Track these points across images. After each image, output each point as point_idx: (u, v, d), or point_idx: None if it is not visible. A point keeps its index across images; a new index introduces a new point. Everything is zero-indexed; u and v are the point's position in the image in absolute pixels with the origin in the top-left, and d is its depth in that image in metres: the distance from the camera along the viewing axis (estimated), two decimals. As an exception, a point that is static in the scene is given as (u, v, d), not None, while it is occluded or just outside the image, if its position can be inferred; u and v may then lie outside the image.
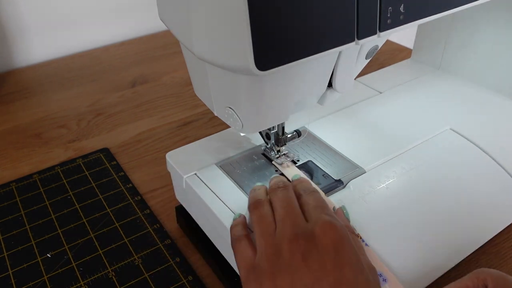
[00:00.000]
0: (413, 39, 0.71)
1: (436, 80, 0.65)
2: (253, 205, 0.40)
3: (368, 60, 0.43)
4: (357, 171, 0.48)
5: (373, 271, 0.36)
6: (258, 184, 0.44)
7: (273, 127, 0.47)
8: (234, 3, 0.29)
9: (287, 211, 0.38)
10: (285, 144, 0.48)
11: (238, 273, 0.38)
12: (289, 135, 0.49)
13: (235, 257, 0.39)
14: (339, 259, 0.34)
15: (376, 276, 0.36)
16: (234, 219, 0.42)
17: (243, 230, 0.40)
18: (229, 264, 0.46)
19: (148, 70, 0.91)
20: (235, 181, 0.47)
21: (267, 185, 0.43)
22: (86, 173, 0.64)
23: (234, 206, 0.44)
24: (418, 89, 0.63)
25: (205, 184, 0.46)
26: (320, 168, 0.48)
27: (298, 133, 0.50)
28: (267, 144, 0.49)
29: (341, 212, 0.42)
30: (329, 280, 0.33)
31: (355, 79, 0.48)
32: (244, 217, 0.42)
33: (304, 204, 0.39)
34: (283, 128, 0.47)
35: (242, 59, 0.30)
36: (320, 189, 0.44)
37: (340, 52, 0.39)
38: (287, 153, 0.49)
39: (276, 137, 0.48)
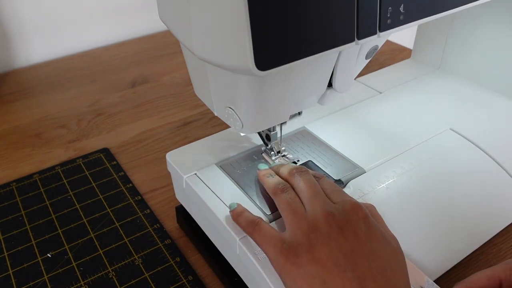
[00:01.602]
0: (413, 39, 0.71)
1: (436, 80, 0.65)
2: (279, 190, 0.41)
3: (368, 60, 0.43)
4: (357, 171, 0.48)
5: (394, 239, 0.38)
6: (263, 166, 0.45)
7: (273, 128, 0.47)
8: (234, 3, 0.29)
9: (314, 191, 0.39)
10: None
11: (264, 252, 0.38)
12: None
13: (256, 239, 0.39)
14: (369, 232, 0.36)
15: (398, 243, 0.38)
16: (231, 209, 0.42)
17: (253, 216, 0.41)
18: (229, 264, 0.46)
19: (148, 70, 0.91)
20: (235, 181, 0.47)
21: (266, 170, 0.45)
22: (86, 173, 0.64)
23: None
24: (418, 89, 0.63)
25: (205, 184, 0.46)
26: (320, 168, 0.48)
27: (298, 112, 0.49)
28: (267, 145, 0.49)
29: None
30: (364, 250, 0.35)
31: (355, 79, 0.48)
32: (242, 206, 0.42)
33: (323, 187, 0.41)
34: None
35: (242, 59, 0.30)
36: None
37: (340, 52, 0.39)
38: (286, 154, 0.49)
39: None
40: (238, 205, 0.43)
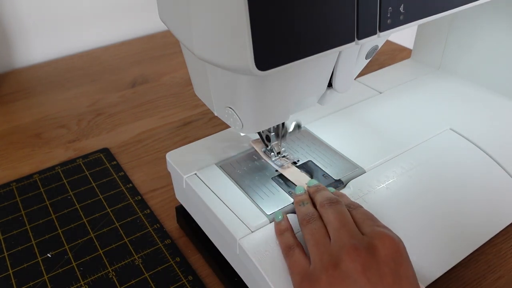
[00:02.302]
0: (413, 39, 0.71)
1: (436, 80, 0.65)
2: (305, 221, 0.39)
3: (368, 60, 0.43)
4: (357, 171, 0.48)
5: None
6: (299, 190, 0.44)
7: (273, 128, 0.47)
8: (234, 3, 0.29)
9: (342, 222, 0.37)
10: (284, 137, 0.48)
11: (291, 277, 0.38)
12: (290, 129, 0.49)
13: (287, 263, 0.38)
14: (397, 272, 0.33)
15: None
16: (277, 220, 0.41)
17: (293, 238, 0.39)
18: (229, 264, 0.46)
19: (148, 70, 0.91)
20: (235, 181, 0.47)
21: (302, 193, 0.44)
22: (86, 173, 0.64)
23: (234, 206, 0.44)
24: (418, 89, 0.63)
25: (205, 184, 0.46)
26: (320, 168, 0.48)
27: (298, 126, 0.50)
28: (267, 146, 0.49)
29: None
30: None
31: (355, 79, 0.48)
32: (288, 221, 0.41)
33: (354, 218, 0.39)
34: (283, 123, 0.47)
35: (242, 59, 0.30)
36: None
37: (340, 52, 0.39)
38: (287, 155, 0.49)
39: (276, 131, 0.48)
40: (284, 218, 0.41)
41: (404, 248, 0.35)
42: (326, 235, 0.37)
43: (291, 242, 0.39)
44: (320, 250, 0.36)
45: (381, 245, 0.34)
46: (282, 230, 0.41)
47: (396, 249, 0.34)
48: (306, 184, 0.45)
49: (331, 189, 0.44)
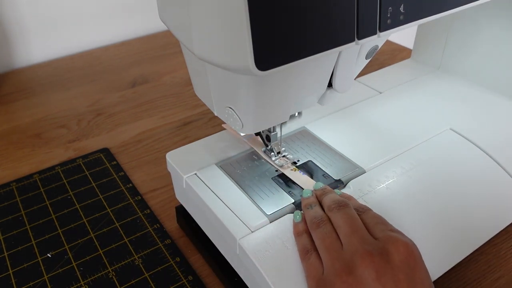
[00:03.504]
0: (413, 39, 0.71)
1: (436, 80, 0.65)
2: (314, 224, 0.39)
3: (368, 60, 0.43)
4: (357, 171, 0.48)
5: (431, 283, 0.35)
6: (307, 193, 0.43)
7: (273, 128, 0.47)
8: (234, 3, 0.29)
9: (353, 227, 0.37)
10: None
11: (306, 281, 0.37)
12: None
13: (303, 266, 0.38)
14: (413, 278, 0.33)
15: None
16: (296, 220, 0.41)
17: (310, 241, 0.39)
18: (229, 264, 0.46)
19: (148, 70, 0.91)
20: (235, 181, 0.47)
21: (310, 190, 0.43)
22: (86, 173, 0.64)
23: (234, 206, 0.44)
24: (418, 89, 0.63)
25: (205, 184, 0.46)
26: (320, 168, 0.48)
27: (299, 113, 0.49)
28: (267, 146, 0.49)
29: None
30: None
31: (355, 79, 0.48)
32: (306, 223, 0.41)
33: (364, 221, 0.38)
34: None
35: (242, 59, 0.30)
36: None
37: (340, 52, 0.39)
38: (287, 155, 0.49)
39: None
40: (303, 219, 0.41)
41: (419, 252, 0.35)
42: (337, 239, 0.37)
43: (308, 246, 0.39)
44: (332, 256, 0.36)
45: (395, 250, 0.34)
46: (300, 231, 0.40)
47: (411, 254, 0.34)
48: (312, 186, 0.45)
49: (338, 191, 0.44)
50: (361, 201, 0.45)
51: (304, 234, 0.40)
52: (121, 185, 0.61)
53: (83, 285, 0.48)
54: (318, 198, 0.42)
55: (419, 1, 0.37)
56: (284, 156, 0.49)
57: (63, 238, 0.54)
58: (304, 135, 0.53)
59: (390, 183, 0.47)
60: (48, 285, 0.49)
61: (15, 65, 0.94)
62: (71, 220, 0.56)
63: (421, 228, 0.44)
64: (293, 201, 0.44)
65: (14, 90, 0.85)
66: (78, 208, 0.58)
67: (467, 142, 0.53)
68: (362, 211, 0.40)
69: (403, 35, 0.57)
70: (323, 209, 0.41)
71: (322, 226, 0.38)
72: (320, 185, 0.44)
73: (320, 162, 0.49)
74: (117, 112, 0.78)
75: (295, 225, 0.41)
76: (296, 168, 0.48)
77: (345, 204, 0.39)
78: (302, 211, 0.42)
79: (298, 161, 0.49)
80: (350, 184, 0.46)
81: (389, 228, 0.37)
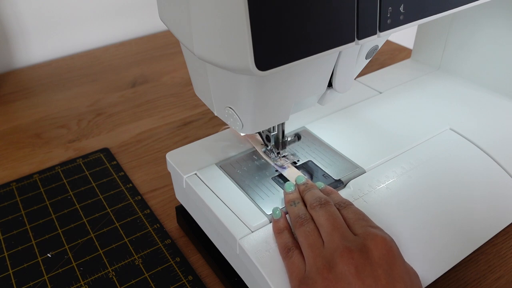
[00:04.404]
0: (413, 39, 0.71)
1: (436, 80, 0.65)
2: (298, 223, 0.39)
3: (368, 60, 0.43)
4: (357, 171, 0.48)
5: (415, 276, 0.36)
6: (289, 187, 0.43)
7: (273, 128, 0.47)
8: (234, 3, 0.29)
9: (334, 225, 0.37)
10: (285, 148, 0.49)
11: (288, 280, 0.38)
12: (289, 139, 0.49)
13: (285, 265, 0.38)
14: (391, 273, 0.34)
15: (418, 279, 0.36)
16: (275, 217, 0.41)
17: (291, 239, 0.39)
18: (229, 264, 0.46)
19: (148, 70, 0.91)
20: (235, 181, 0.47)
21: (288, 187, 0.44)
22: (86, 173, 0.64)
23: (234, 206, 0.44)
24: (418, 89, 0.63)
25: (205, 184, 0.46)
26: (320, 168, 0.48)
27: (298, 137, 0.50)
28: (267, 146, 0.49)
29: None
30: None
31: (355, 79, 0.48)
32: (286, 219, 0.41)
33: (345, 217, 0.39)
34: (283, 131, 0.47)
35: (242, 59, 0.30)
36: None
37: (340, 52, 0.39)
38: (287, 155, 0.49)
39: (276, 141, 0.48)
40: (283, 216, 0.41)
41: (397, 247, 0.36)
42: (319, 237, 0.38)
43: (289, 244, 0.39)
44: (314, 253, 0.36)
45: (374, 246, 0.35)
46: (281, 228, 0.41)
47: (389, 249, 0.35)
48: (295, 180, 0.45)
49: (320, 184, 0.44)
50: (361, 201, 0.45)
51: (285, 231, 0.40)
52: (121, 185, 0.61)
53: (83, 285, 0.48)
54: (301, 194, 0.43)
55: (419, 1, 0.37)
56: (284, 156, 0.49)
57: (63, 238, 0.54)
58: (304, 135, 0.53)
59: (390, 183, 0.47)
60: (48, 285, 0.49)
61: (15, 65, 0.94)
62: (71, 220, 0.56)
63: (421, 228, 0.44)
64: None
65: (14, 90, 0.85)
66: (78, 208, 0.58)
67: (467, 142, 0.53)
68: (344, 206, 0.40)
69: (403, 35, 0.57)
70: (305, 205, 0.41)
71: (305, 224, 0.39)
72: (302, 179, 0.44)
73: (320, 162, 0.49)
74: (117, 112, 0.78)
75: (275, 221, 0.41)
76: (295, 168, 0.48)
77: (325, 201, 0.40)
78: (281, 208, 0.42)
79: (298, 161, 0.49)
80: (350, 184, 0.46)
81: (369, 224, 0.38)
